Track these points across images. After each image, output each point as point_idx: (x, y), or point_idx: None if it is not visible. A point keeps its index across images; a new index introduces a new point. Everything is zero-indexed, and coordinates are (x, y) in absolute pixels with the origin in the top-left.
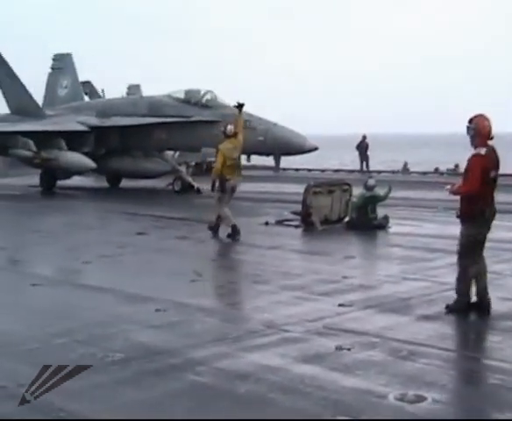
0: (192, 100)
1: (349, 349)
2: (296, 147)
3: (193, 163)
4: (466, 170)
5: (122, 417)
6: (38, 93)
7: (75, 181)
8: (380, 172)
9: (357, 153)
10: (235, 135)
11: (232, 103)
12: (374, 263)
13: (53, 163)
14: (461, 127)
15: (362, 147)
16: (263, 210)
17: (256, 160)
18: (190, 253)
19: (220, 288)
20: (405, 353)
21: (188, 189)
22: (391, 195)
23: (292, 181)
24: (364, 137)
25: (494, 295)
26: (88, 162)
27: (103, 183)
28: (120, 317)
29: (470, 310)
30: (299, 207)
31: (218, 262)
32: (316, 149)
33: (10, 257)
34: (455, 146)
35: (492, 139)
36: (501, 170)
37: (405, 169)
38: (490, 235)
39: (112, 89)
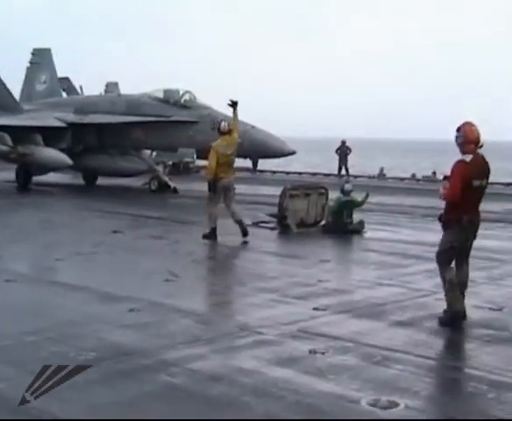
0: (171, 100)
1: (323, 353)
2: (274, 151)
3: (170, 163)
4: (450, 176)
5: (93, 418)
6: (15, 87)
7: (51, 177)
8: (356, 177)
9: (336, 157)
10: (229, 133)
11: (225, 102)
12: (349, 268)
13: (29, 158)
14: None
15: (342, 152)
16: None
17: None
18: (166, 252)
19: (195, 290)
20: (379, 358)
21: (164, 188)
22: (368, 200)
23: (269, 183)
24: (343, 142)
25: (468, 302)
26: (65, 159)
27: (80, 181)
28: (93, 316)
29: (464, 316)
30: (275, 209)
31: (193, 263)
32: (293, 153)
33: None
34: (445, 153)
35: (481, 146)
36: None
37: (381, 175)
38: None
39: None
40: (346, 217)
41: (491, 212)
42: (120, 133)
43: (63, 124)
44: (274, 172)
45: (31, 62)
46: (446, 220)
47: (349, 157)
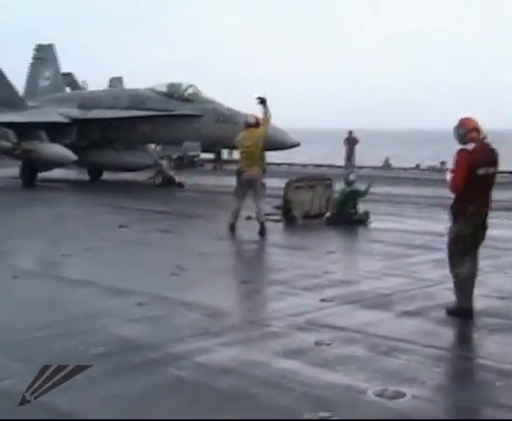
0: (174, 94)
1: (330, 344)
2: (278, 143)
3: (175, 157)
4: (454, 166)
5: (103, 411)
6: (19, 83)
7: (57, 173)
8: (361, 167)
9: (344, 147)
10: (256, 126)
11: (255, 96)
12: (356, 259)
13: (33, 154)
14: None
15: (349, 142)
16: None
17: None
18: (172, 246)
19: (202, 283)
20: (385, 348)
21: (169, 182)
22: (372, 190)
23: (274, 175)
24: (350, 132)
25: (475, 292)
26: (69, 154)
27: (85, 176)
28: (102, 310)
29: (471, 313)
30: (280, 201)
31: (200, 256)
32: (298, 145)
33: None
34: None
35: (484, 138)
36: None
37: (386, 165)
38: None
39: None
40: (351, 207)
41: (497, 201)
42: (125, 128)
43: (67, 120)
44: (279, 164)
45: (34, 58)
46: (454, 210)
47: (356, 147)
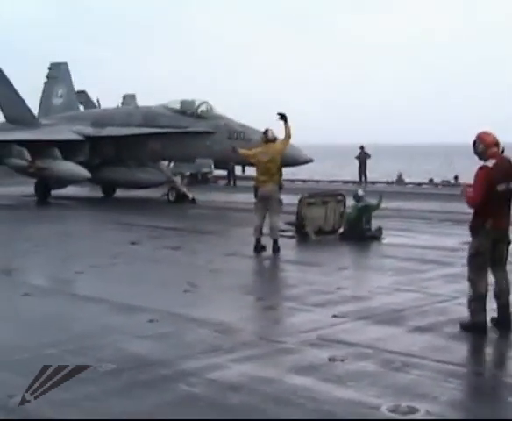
0: (187, 111)
1: (342, 360)
2: (291, 159)
3: (188, 173)
4: (474, 181)
5: None
6: (33, 102)
7: (70, 190)
8: (374, 183)
9: (357, 163)
10: (274, 141)
11: (276, 112)
12: (368, 274)
13: (47, 172)
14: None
15: (361, 158)
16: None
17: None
18: (184, 263)
19: (213, 299)
20: (398, 364)
21: (182, 199)
22: (385, 206)
23: (287, 191)
24: (361, 147)
25: (489, 306)
26: (83, 172)
27: (98, 193)
28: (112, 327)
29: (484, 329)
30: (293, 217)
31: (212, 273)
32: (310, 161)
33: (3, 266)
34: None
35: (503, 151)
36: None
37: (400, 180)
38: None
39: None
40: (365, 223)
41: None
42: (138, 145)
43: (81, 138)
44: (292, 180)
45: (48, 77)
46: (473, 225)
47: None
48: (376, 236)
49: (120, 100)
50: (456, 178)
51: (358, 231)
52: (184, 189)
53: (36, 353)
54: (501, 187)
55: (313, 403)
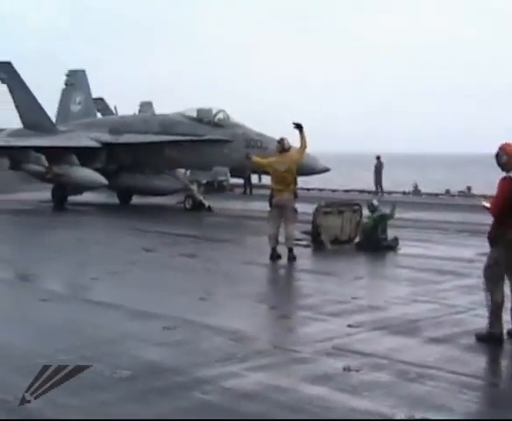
0: (204, 119)
1: (357, 370)
2: (308, 169)
3: (204, 181)
4: (496, 192)
5: None
6: (52, 108)
7: (87, 197)
8: (390, 192)
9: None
10: (289, 150)
11: (292, 122)
12: (383, 284)
13: (64, 179)
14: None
15: (377, 168)
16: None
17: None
18: (199, 270)
19: (228, 307)
20: (413, 375)
21: (198, 207)
22: (401, 216)
23: (303, 200)
24: (378, 157)
25: (504, 318)
26: (100, 178)
27: (115, 200)
28: (128, 333)
29: (501, 340)
30: (309, 227)
31: (227, 281)
32: (327, 170)
33: (20, 272)
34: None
35: None
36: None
37: (416, 190)
38: None
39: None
40: (381, 233)
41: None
42: (154, 152)
43: (98, 145)
44: (308, 189)
45: (66, 84)
46: (491, 236)
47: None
48: (392, 246)
49: (137, 107)
50: (469, 189)
51: (374, 241)
52: (200, 197)
53: (52, 359)
54: None
55: (328, 412)
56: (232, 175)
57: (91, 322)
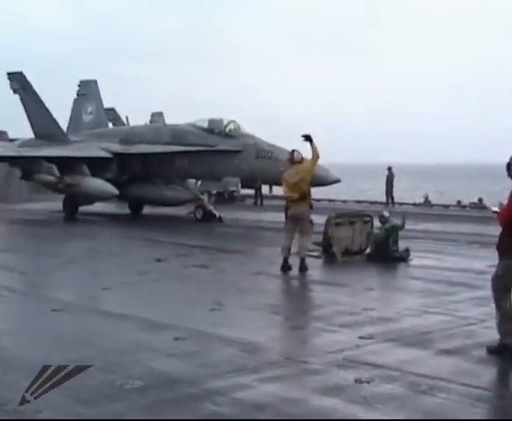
0: (215, 129)
1: (368, 382)
2: (318, 179)
3: (215, 192)
4: (508, 201)
5: None
6: (63, 119)
7: (98, 207)
8: (402, 204)
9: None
10: (300, 162)
11: (301, 134)
12: (395, 296)
13: (75, 189)
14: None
15: (388, 178)
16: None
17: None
18: (211, 281)
19: (240, 318)
20: (424, 387)
21: (209, 217)
22: (412, 227)
23: (314, 211)
24: (389, 168)
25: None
26: (111, 189)
27: (125, 210)
28: (139, 344)
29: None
30: (320, 237)
31: (238, 292)
32: (338, 181)
33: (32, 282)
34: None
35: None
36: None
37: (426, 202)
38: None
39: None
40: (392, 244)
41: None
42: (165, 163)
43: (109, 155)
44: (319, 200)
45: (77, 94)
46: (500, 247)
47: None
48: (403, 257)
49: (148, 118)
50: (480, 200)
51: (385, 252)
52: (211, 208)
53: None
54: None
55: None
56: (243, 186)
57: (103, 332)
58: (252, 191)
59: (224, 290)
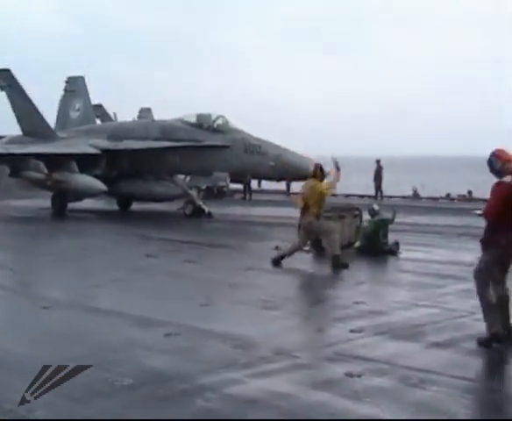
0: (204, 124)
1: (359, 376)
2: (307, 173)
3: (204, 187)
4: (490, 196)
5: None
6: (51, 115)
7: (86, 203)
8: (391, 197)
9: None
10: (315, 177)
11: (332, 157)
12: (385, 289)
13: (64, 185)
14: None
15: (377, 172)
16: (274, 235)
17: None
18: (201, 277)
19: (230, 313)
20: (415, 380)
21: (198, 212)
22: (401, 220)
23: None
24: (377, 160)
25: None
26: (100, 185)
27: (114, 206)
28: (130, 341)
29: (500, 341)
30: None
31: (229, 287)
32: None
33: (22, 279)
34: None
35: None
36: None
37: (415, 194)
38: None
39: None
40: (382, 237)
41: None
42: (154, 158)
43: (97, 151)
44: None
45: (65, 90)
46: (485, 240)
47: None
48: (393, 250)
49: (136, 113)
50: (470, 193)
51: (375, 245)
52: (200, 203)
53: None
54: None
55: (330, 418)
56: (232, 181)
57: (93, 329)
58: (241, 186)
59: (215, 286)
